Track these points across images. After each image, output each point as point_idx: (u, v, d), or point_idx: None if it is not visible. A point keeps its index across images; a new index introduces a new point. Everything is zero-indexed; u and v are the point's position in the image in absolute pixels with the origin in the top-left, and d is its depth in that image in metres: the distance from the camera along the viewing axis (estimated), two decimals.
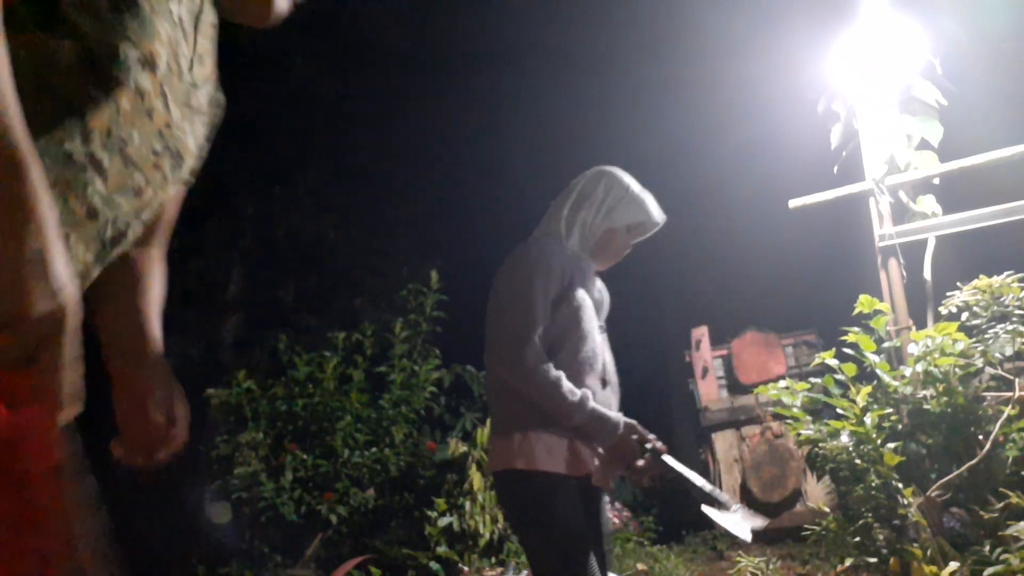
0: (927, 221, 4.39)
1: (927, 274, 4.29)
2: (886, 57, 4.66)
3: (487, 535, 5.95)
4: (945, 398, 3.64)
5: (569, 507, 1.90)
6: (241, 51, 10.04)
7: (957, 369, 3.64)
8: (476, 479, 6.09)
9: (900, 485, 3.42)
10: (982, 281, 3.71)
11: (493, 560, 6.06)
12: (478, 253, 13.70)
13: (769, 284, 12.62)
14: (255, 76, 10.62)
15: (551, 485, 1.90)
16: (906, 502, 3.38)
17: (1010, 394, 3.52)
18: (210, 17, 1.09)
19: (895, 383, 3.75)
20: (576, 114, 12.89)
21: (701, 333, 8.81)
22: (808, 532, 3.97)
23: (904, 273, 4.37)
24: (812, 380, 4.81)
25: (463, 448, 6.33)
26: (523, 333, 1.95)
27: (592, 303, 2.14)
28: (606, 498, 2.14)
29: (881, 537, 3.49)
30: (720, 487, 7.81)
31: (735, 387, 8.56)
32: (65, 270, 0.67)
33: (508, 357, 1.96)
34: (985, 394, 3.69)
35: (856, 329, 3.76)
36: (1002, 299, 3.64)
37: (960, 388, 3.63)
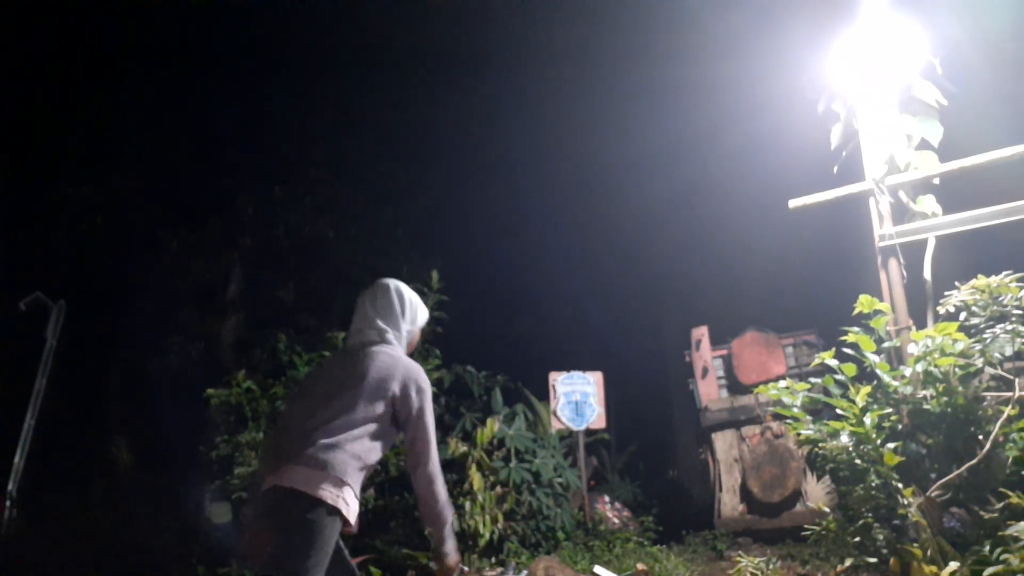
0: (927, 221, 4.39)
1: (927, 274, 4.29)
2: (886, 57, 4.66)
3: (487, 535, 5.95)
4: (945, 398, 3.64)
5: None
6: (240, 52, 10.04)
7: (957, 369, 3.64)
8: (476, 479, 6.09)
9: (900, 485, 3.42)
10: (980, 281, 3.71)
11: (493, 560, 6.06)
12: (478, 253, 13.73)
13: (769, 284, 12.62)
14: (254, 77, 10.62)
15: (339, 527, 2.45)
16: (906, 502, 3.37)
17: (1010, 394, 3.52)
18: None
19: (895, 383, 3.75)
20: (576, 114, 12.89)
21: (701, 333, 8.81)
22: (808, 532, 3.97)
23: (904, 273, 4.37)
24: (812, 380, 4.83)
25: (463, 448, 6.33)
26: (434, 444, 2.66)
27: None
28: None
29: (881, 537, 3.49)
30: (720, 487, 7.81)
31: (735, 387, 8.55)
32: None
33: (430, 455, 2.63)
34: (985, 394, 3.68)
35: (856, 329, 3.75)
36: (1001, 299, 3.64)
37: (960, 388, 3.63)
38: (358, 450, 2.51)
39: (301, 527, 2.35)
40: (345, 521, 2.46)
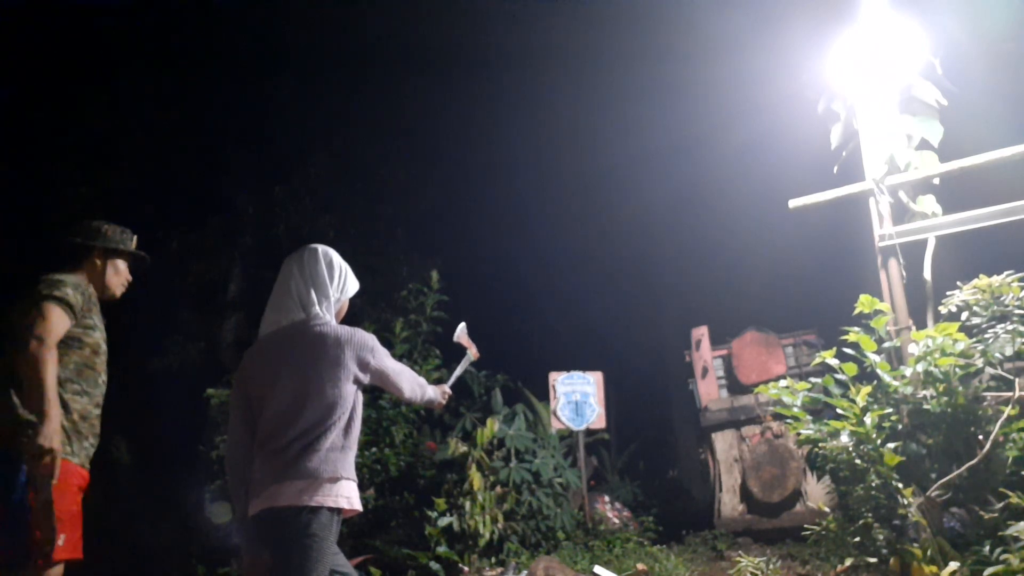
0: (927, 221, 4.38)
1: (927, 274, 4.29)
2: (886, 57, 4.66)
3: (487, 535, 5.95)
4: (945, 398, 3.63)
5: None
6: (241, 51, 10.04)
7: (957, 369, 3.64)
8: (476, 479, 6.09)
9: (900, 485, 3.42)
10: (982, 281, 3.71)
11: (493, 560, 6.06)
12: (478, 253, 13.73)
13: (769, 284, 12.62)
14: (255, 76, 10.62)
15: (339, 526, 2.47)
16: (906, 502, 3.38)
17: (1010, 394, 3.52)
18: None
19: (895, 383, 3.75)
20: (576, 114, 12.89)
21: (701, 333, 8.80)
22: (808, 532, 3.97)
23: (904, 273, 4.36)
24: (812, 380, 4.82)
25: (463, 448, 6.33)
26: None
27: None
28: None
29: (881, 537, 3.49)
30: (720, 487, 7.81)
31: (735, 387, 8.55)
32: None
33: (405, 387, 2.79)
34: (985, 394, 3.68)
35: (856, 329, 3.76)
36: (1002, 299, 3.64)
37: (960, 388, 3.63)
38: (339, 440, 2.46)
39: (302, 540, 2.30)
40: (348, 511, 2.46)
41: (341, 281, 2.73)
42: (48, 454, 2.53)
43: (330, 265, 2.70)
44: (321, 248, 2.73)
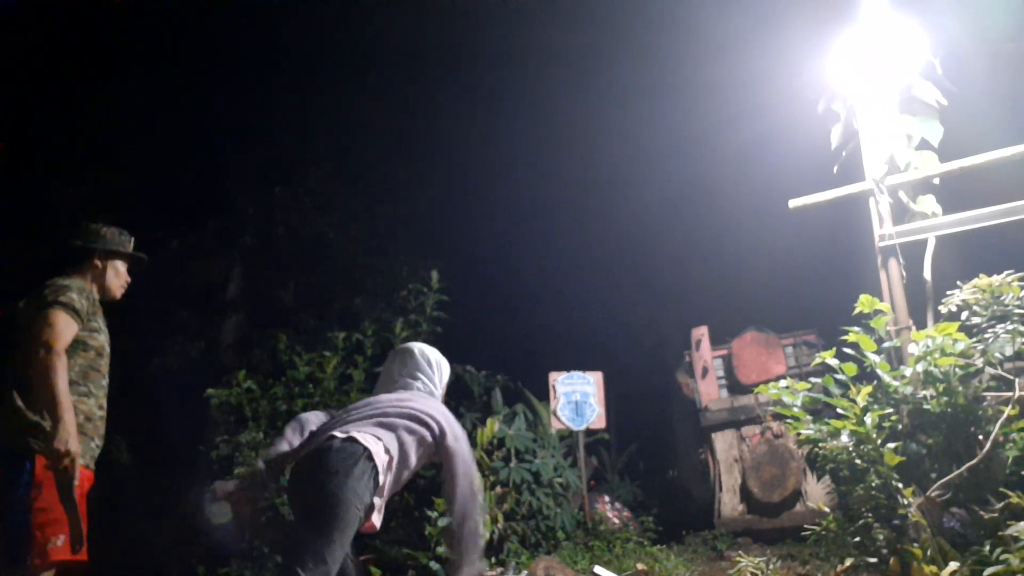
0: (927, 221, 4.38)
1: (927, 274, 4.29)
2: (886, 57, 4.65)
3: (487, 535, 5.95)
4: (945, 398, 3.63)
5: None
6: (241, 51, 10.04)
7: (957, 369, 3.64)
8: (476, 479, 6.08)
9: (900, 485, 3.42)
10: (982, 280, 3.70)
11: (493, 560, 6.06)
12: (478, 253, 13.71)
13: (769, 284, 12.61)
14: (255, 76, 10.62)
15: None
16: (906, 502, 3.37)
17: (1010, 394, 3.52)
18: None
19: (895, 383, 3.74)
20: (576, 114, 12.87)
21: (701, 333, 8.79)
22: (808, 532, 3.97)
23: (904, 273, 4.36)
24: (812, 380, 4.82)
25: None
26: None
27: None
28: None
29: (881, 537, 3.49)
30: (720, 487, 7.81)
31: (735, 387, 8.55)
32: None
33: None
34: (985, 394, 3.68)
35: (856, 329, 3.75)
36: (1002, 299, 3.64)
37: (960, 388, 3.63)
38: None
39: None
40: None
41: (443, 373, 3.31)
42: (66, 457, 2.59)
43: (443, 362, 3.30)
44: (417, 347, 3.27)
